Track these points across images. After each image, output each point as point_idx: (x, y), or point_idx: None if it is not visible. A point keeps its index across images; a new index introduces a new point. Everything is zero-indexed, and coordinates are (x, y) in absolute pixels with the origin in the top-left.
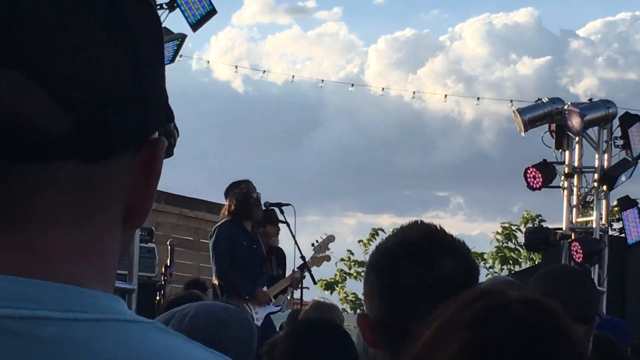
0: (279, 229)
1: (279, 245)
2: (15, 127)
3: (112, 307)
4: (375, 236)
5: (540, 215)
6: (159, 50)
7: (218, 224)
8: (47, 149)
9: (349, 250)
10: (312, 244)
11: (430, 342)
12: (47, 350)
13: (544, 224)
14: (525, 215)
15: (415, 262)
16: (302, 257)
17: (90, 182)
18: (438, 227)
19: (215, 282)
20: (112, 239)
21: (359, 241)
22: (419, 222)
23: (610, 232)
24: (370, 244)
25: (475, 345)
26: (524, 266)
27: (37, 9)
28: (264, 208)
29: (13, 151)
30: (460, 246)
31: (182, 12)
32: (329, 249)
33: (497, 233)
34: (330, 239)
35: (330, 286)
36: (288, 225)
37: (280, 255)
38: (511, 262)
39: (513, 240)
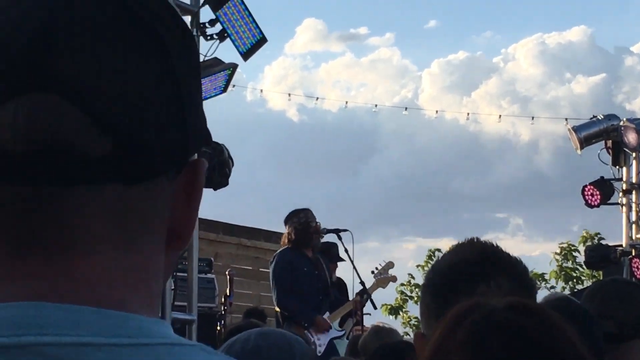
0: (336, 266)
1: (338, 276)
2: (55, 151)
3: (158, 331)
4: (432, 257)
5: (599, 234)
6: (196, 71)
7: (278, 251)
8: (87, 172)
9: (409, 274)
10: (372, 272)
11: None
12: None
13: (604, 242)
14: (584, 234)
15: (473, 282)
16: (362, 283)
17: (132, 205)
18: (494, 244)
19: (277, 309)
20: (155, 262)
21: (417, 266)
22: (475, 240)
23: None
24: (428, 266)
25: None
26: (586, 284)
27: (74, 32)
28: (322, 235)
29: (54, 175)
30: (516, 264)
31: (233, 41)
32: (388, 275)
33: (556, 253)
34: (390, 265)
35: (394, 311)
36: (346, 251)
37: (342, 286)
38: (574, 280)
39: (571, 260)
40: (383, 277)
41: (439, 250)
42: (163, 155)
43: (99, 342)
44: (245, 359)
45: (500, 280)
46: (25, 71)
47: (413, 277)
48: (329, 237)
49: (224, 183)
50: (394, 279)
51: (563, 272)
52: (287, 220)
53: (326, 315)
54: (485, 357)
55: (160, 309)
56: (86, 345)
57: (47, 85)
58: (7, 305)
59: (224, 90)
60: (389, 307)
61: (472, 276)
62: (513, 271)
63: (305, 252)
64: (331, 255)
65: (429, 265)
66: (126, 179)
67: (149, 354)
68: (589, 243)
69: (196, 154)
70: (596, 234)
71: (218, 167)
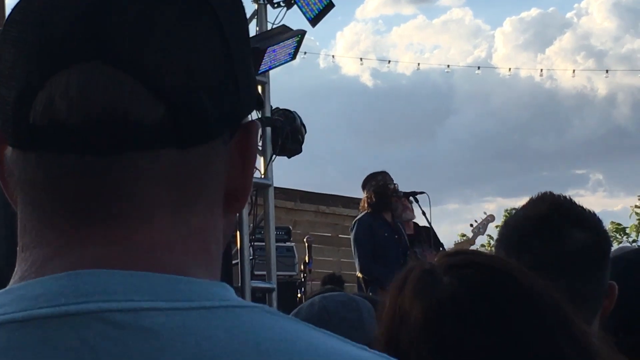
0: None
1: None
2: (110, 120)
3: (220, 294)
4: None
5: None
6: (246, 33)
7: (357, 217)
8: (142, 139)
9: (488, 235)
10: (471, 225)
11: (395, 312)
12: (155, 341)
13: None
14: None
15: (545, 237)
16: (441, 245)
17: (188, 170)
18: (567, 197)
19: (360, 275)
20: (214, 226)
21: (496, 227)
22: (548, 194)
23: None
24: None
25: (430, 311)
26: None
27: (125, 1)
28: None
29: (110, 144)
30: (590, 217)
31: (300, 7)
32: (486, 230)
33: (636, 206)
34: (490, 219)
35: None
36: (424, 214)
37: (430, 234)
38: None
39: None
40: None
41: (514, 208)
42: (216, 118)
43: (161, 306)
44: (314, 322)
45: (575, 235)
46: (78, 40)
47: (492, 238)
48: None
49: (298, 150)
50: (491, 217)
51: None
52: (365, 184)
53: None
54: (429, 300)
55: (220, 271)
56: (148, 310)
57: (98, 55)
58: (69, 273)
59: (294, 57)
60: None
61: (546, 232)
62: (588, 225)
63: (385, 217)
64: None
65: None
66: (181, 144)
67: (210, 317)
68: None
69: (249, 116)
70: None
71: (291, 135)
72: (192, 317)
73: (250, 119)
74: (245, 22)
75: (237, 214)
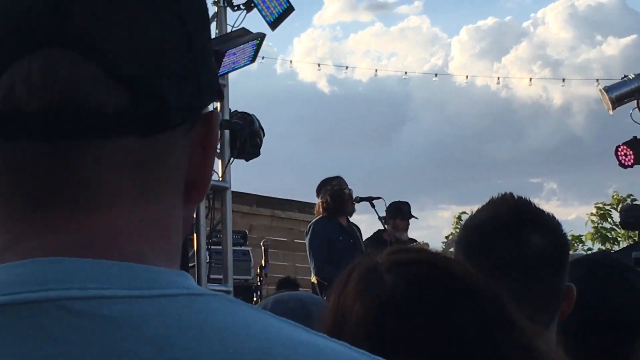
0: (408, 224)
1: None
2: (71, 106)
3: (179, 283)
4: (461, 220)
5: (632, 195)
6: (207, 25)
7: (313, 221)
8: (104, 126)
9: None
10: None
11: (338, 309)
12: (115, 328)
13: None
14: (615, 197)
15: (505, 239)
16: None
17: (149, 158)
18: (527, 200)
19: (314, 280)
20: (174, 215)
21: (450, 234)
22: (508, 195)
23: None
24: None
25: (370, 309)
26: (622, 245)
27: None
28: (355, 203)
29: (70, 130)
30: (549, 221)
31: (260, 11)
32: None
33: (592, 214)
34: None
35: None
36: (380, 219)
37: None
38: (611, 241)
39: (609, 219)
40: None
41: (465, 213)
42: (178, 106)
43: (121, 294)
44: None
45: (534, 238)
46: (38, 27)
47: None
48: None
49: (256, 153)
50: (425, 246)
51: (599, 234)
52: (320, 188)
53: None
54: (370, 298)
55: (180, 261)
56: (108, 298)
57: (60, 40)
58: (29, 261)
59: (253, 60)
60: None
61: (505, 234)
62: (547, 228)
63: (340, 221)
64: (403, 212)
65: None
66: (143, 131)
67: (171, 305)
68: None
69: (209, 107)
70: (628, 196)
71: (249, 138)
72: (152, 305)
73: (210, 110)
74: (207, 14)
75: (196, 208)
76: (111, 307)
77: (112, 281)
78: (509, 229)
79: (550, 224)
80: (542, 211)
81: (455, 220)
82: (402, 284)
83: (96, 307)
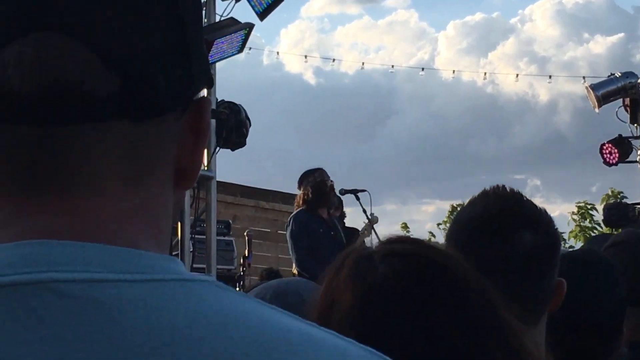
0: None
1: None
2: (63, 90)
3: (170, 268)
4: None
5: (622, 192)
6: (199, 11)
7: (293, 213)
8: (95, 110)
9: (430, 232)
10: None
11: (328, 296)
12: (106, 312)
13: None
14: (608, 193)
15: (495, 236)
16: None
17: (140, 143)
18: (519, 194)
19: (295, 272)
20: (164, 200)
21: (438, 224)
22: (500, 189)
23: None
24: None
25: (360, 297)
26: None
27: None
28: (338, 195)
29: (62, 114)
30: (541, 217)
31: (249, 1)
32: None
33: (573, 213)
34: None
35: None
36: (365, 212)
37: (353, 235)
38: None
39: (589, 218)
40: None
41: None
42: (169, 92)
43: (112, 278)
44: None
45: (525, 235)
46: (30, 10)
47: (434, 236)
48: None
49: (242, 143)
50: (375, 220)
51: (582, 232)
52: (302, 180)
53: None
54: (361, 286)
55: (169, 246)
56: (99, 282)
57: (53, 24)
58: (19, 243)
59: (240, 50)
60: None
61: (496, 231)
62: (539, 225)
63: (320, 213)
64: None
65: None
66: (134, 116)
67: (161, 290)
68: (612, 201)
69: (201, 93)
70: (619, 192)
71: (235, 128)
72: (143, 289)
73: (201, 96)
74: (199, 1)
75: (185, 194)
76: (102, 290)
77: (103, 265)
78: (500, 226)
79: (541, 221)
80: (535, 207)
81: (449, 212)
82: (393, 275)
83: (86, 290)
